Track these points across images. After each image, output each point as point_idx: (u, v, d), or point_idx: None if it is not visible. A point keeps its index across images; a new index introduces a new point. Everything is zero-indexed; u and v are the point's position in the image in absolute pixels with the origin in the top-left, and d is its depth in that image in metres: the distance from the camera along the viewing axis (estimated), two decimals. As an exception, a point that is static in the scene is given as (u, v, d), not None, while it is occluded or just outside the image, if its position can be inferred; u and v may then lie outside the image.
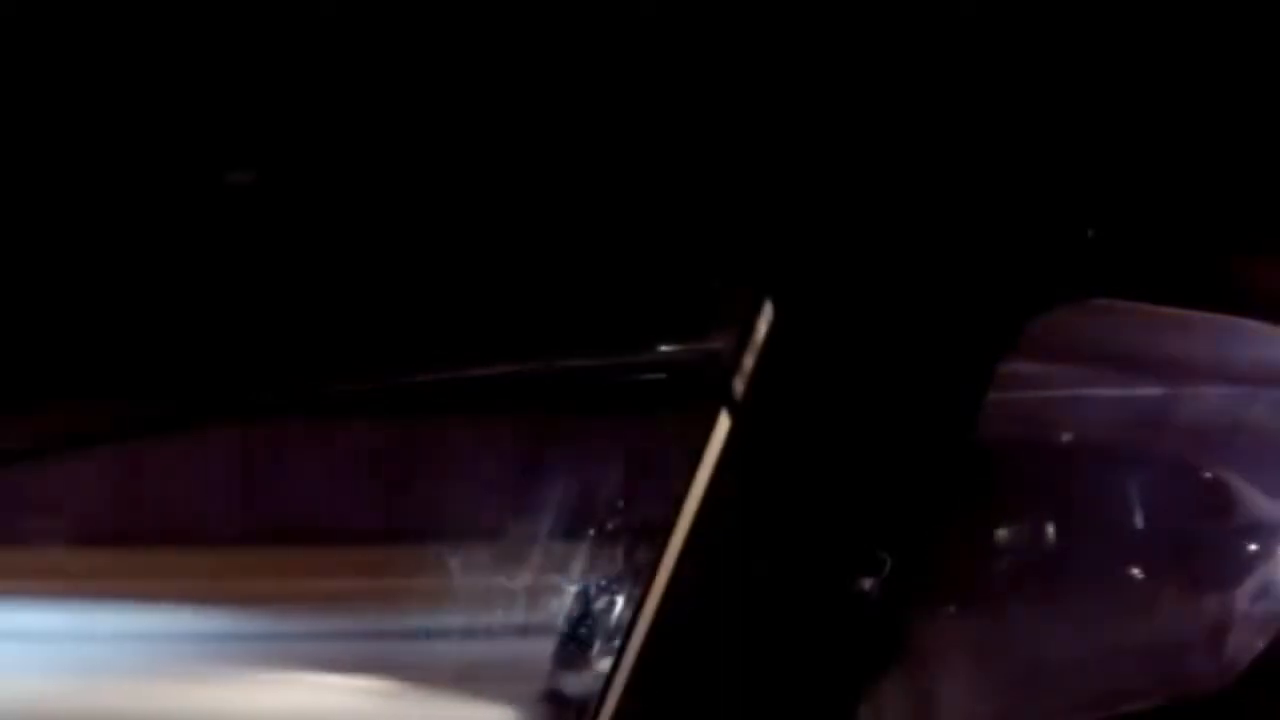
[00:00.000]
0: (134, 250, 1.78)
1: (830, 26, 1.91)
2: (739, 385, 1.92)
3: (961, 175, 1.95)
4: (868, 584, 1.89)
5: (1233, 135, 2.04)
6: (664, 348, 2.09)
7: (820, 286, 1.92)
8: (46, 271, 1.76)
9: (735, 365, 1.93)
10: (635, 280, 1.98)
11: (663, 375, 2.17)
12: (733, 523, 1.89)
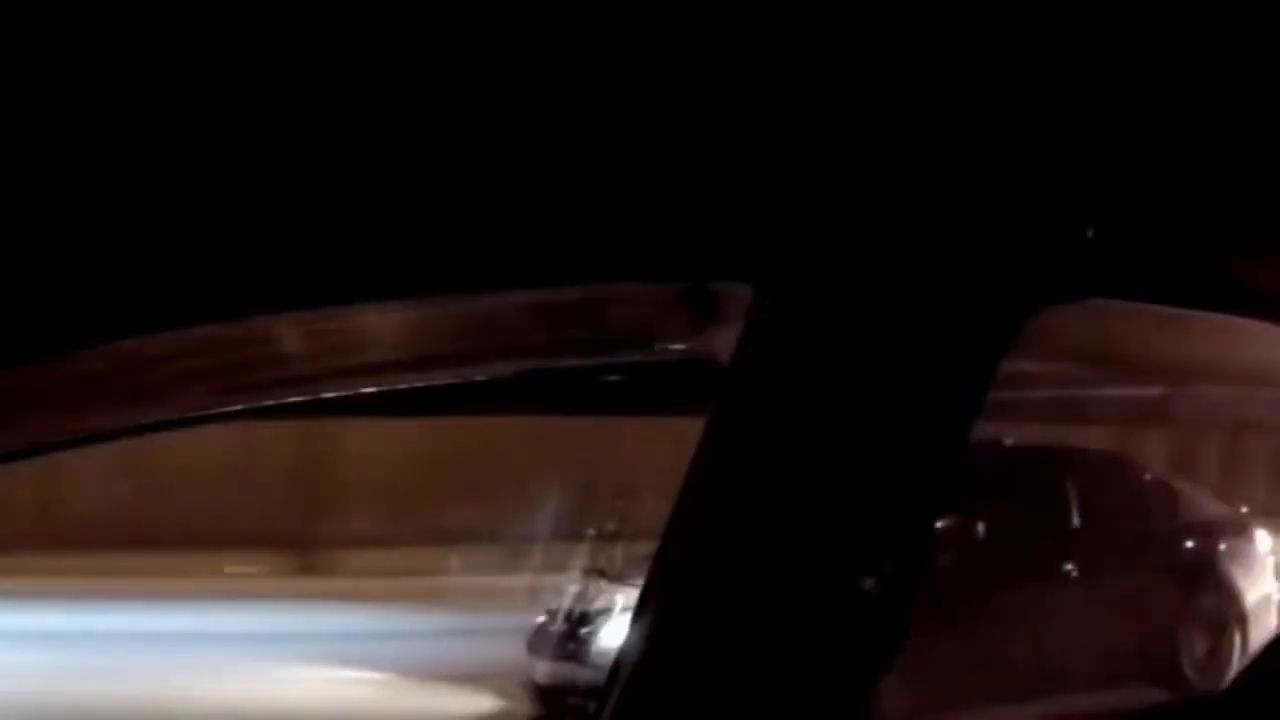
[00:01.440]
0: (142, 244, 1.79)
1: (831, 27, 1.91)
2: (739, 385, 1.93)
3: (961, 176, 1.96)
4: (867, 582, 1.89)
5: (1233, 136, 2.04)
6: (664, 348, 2.09)
7: (820, 288, 1.92)
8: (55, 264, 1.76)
9: (735, 365, 1.93)
10: (635, 280, 1.98)
11: (662, 375, 2.17)
12: (732, 521, 1.89)
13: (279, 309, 1.83)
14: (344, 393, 2.12)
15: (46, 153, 1.71)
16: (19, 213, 1.70)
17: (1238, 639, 6.35)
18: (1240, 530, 6.91)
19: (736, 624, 1.88)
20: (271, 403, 2.08)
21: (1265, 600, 6.66)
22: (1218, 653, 6.21)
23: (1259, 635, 6.32)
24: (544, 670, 5.09)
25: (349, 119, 1.80)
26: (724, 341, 1.95)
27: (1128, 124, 1.99)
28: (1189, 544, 6.56)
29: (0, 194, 1.70)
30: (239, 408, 2.07)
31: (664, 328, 2.06)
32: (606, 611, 4.97)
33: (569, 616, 5.19)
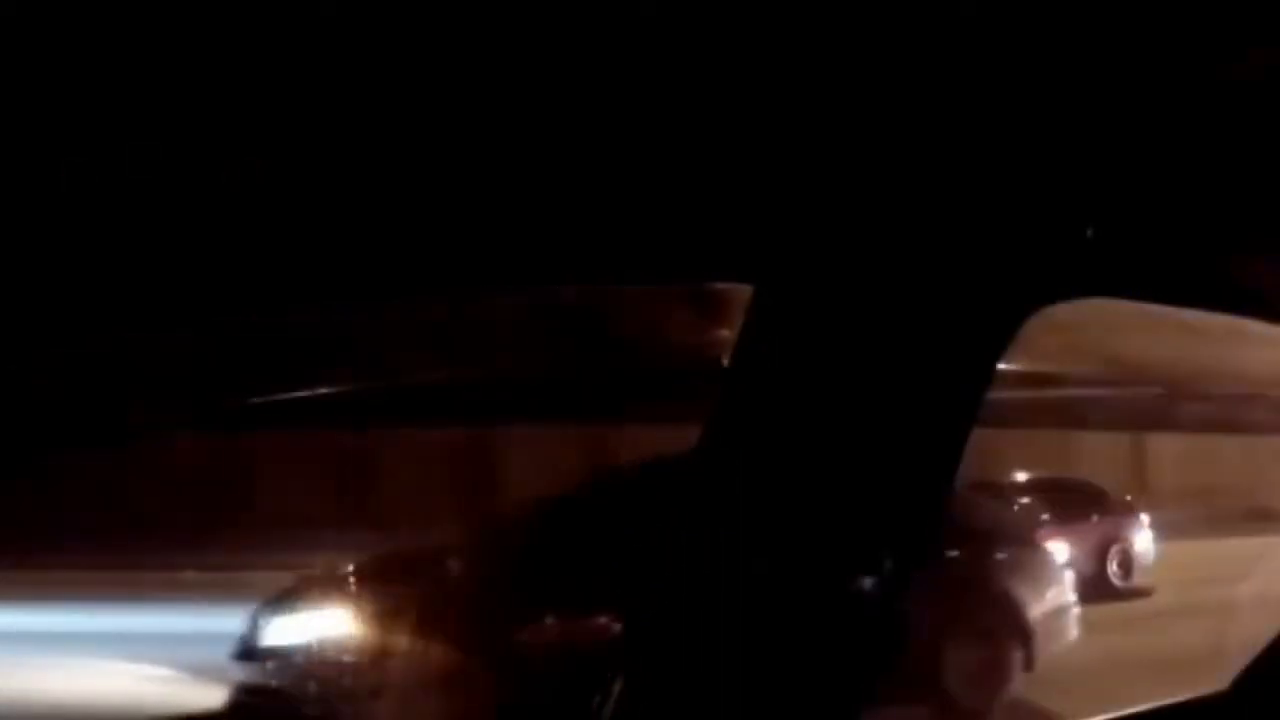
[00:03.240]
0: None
1: (832, 29, 1.91)
2: (739, 384, 1.92)
3: (961, 175, 1.95)
4: (867, 582, 1.89)
5: (1232, 136, 2.04)
6: (663, 347, 2.09)
7: (820, 288, 1.92)
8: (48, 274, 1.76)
9: (735, 365, 1.93)
10: (635, 280, 1.98)
11: (661, 375, 2.17)
12: (732, 520, 1.89)
13: (281, 308, 1.83)
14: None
15: (54, 151, 1.71)
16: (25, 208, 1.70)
17: (1016, 653, 6.09)
18: (1026, 540, 6.61)
19: (736, 624, 1.88)
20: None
21: (1055, 612, 6.36)
22: (990, 667, 5.96)
23: (1048, 648, 6.12)
24: (242, 671, 5.21)
25: (350, 120, 1.80)
26: (724, 341, 1.95)
27: (1127, 124, 1.99)
28: (960, 554, 6.27)
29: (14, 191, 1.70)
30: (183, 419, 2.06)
31: (664, 328, 2.06)
32: (309, 612, 5.04)
33: (270, 616, 5.30)
